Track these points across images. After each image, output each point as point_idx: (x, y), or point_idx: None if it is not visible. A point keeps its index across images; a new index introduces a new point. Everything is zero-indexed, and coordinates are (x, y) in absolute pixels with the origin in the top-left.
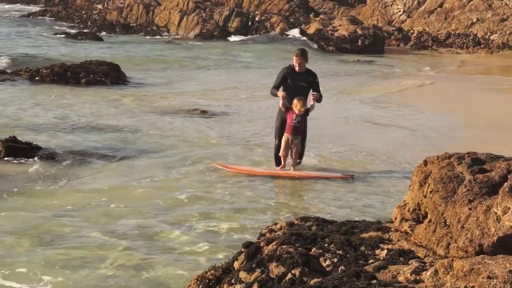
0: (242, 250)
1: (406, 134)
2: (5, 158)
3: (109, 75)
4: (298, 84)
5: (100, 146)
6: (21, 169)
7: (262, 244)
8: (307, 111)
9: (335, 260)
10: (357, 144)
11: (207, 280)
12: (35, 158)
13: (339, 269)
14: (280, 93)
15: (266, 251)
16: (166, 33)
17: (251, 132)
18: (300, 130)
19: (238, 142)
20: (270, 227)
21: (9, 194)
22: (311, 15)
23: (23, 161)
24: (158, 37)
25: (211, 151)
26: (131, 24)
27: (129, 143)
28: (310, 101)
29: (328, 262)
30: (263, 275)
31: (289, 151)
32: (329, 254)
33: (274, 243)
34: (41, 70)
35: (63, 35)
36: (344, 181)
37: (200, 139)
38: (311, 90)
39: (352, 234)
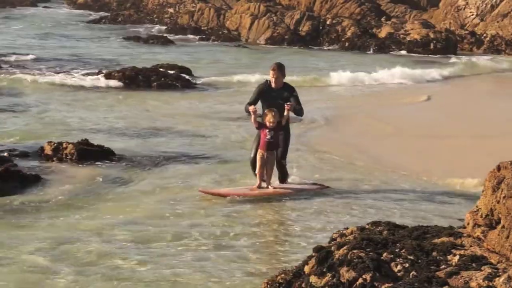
0: (313, 254)
1: (469, 144)
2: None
3: (180, 78)
4: (275, 102)
5: (170, 151)
6: (93, 172)
7: (333, 248)
8: (279, 124)
9: (407, 265)
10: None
11: (277, 284)
12: (107, 161)
13: (411, 274)
14: (251, 108)
15: (337, 256)
16: (237, 37)
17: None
18: (275, 145)
19: (309, 150)
20: (341, 231)
21: (84, 197)
22: (382, 19)
23: (95, 164)
24: (229, 40)
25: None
26: (202, 28)
27: (198, 147)
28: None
29: (399, 267)
30: (334, 279)
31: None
32: (401, 259)
33: (345, 247)
34: (112, 73)
35: (135, 39)
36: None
37: None
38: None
39: (423, 239)
